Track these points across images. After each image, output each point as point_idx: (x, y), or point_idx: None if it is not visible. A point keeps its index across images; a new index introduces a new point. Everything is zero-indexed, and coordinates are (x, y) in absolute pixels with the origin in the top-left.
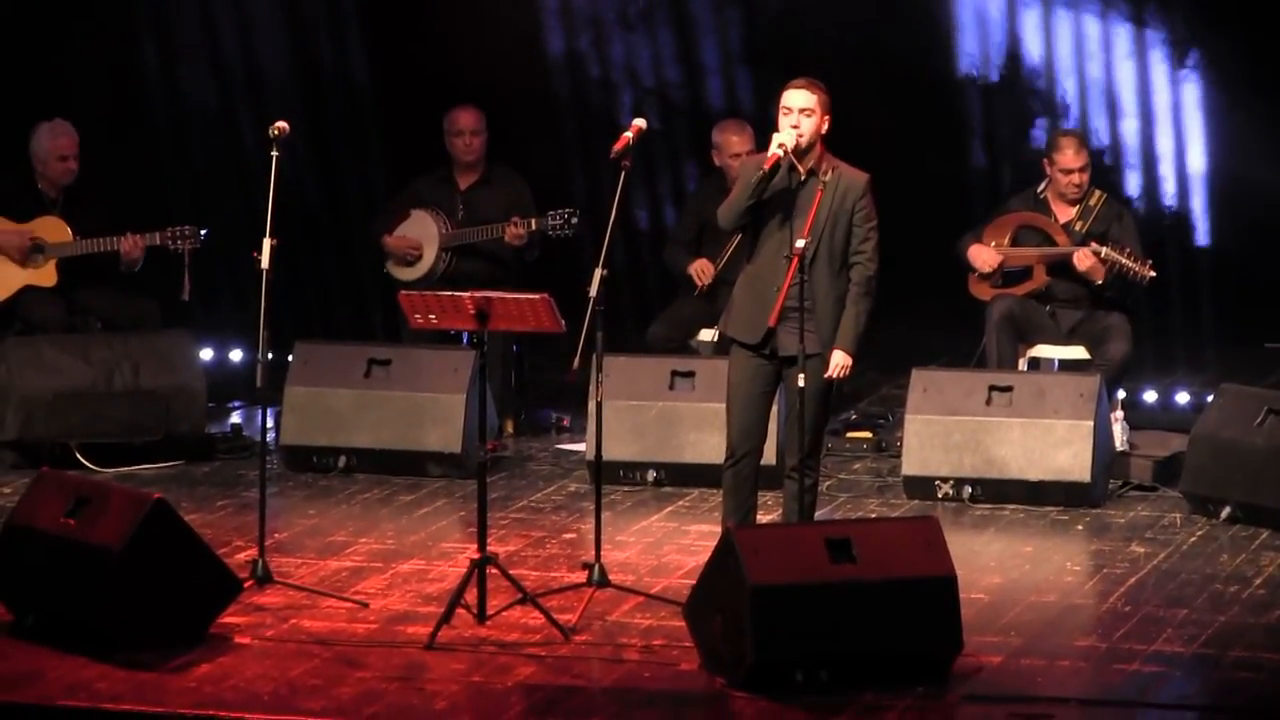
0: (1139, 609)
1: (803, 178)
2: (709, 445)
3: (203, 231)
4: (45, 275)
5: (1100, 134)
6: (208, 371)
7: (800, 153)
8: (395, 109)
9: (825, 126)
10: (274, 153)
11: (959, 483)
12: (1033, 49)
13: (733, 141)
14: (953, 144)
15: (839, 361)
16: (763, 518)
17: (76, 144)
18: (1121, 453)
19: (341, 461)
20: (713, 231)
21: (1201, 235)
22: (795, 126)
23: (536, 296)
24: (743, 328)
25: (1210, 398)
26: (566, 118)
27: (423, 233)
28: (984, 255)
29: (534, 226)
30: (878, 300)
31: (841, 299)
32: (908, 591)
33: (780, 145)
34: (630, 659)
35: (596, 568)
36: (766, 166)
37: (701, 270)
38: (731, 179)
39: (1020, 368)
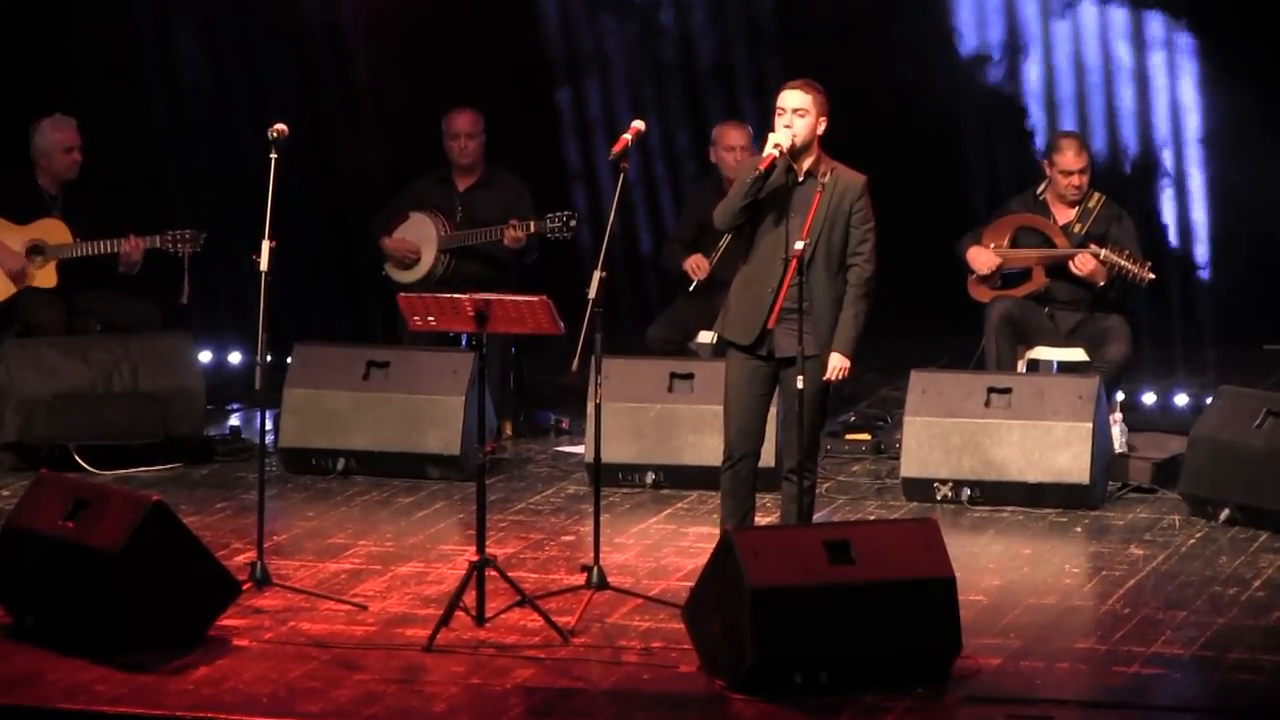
0: (1138, 611)
1: (800, 179)
2: (708, 447)
3: (203, 235)
4: (45, 277)
5: (1099, 135)
6: (207, 374)
7: (796, 153)
8: (395, 109)
9: (822, 127)
10: (273, 155)
11: (958, 484)
12: (1032, 49)
13: (732, 142)
14: (952, 144)
15: (837, 364)
16: (761, 520)
17: (78, 136)
18: (1120, 454)
19: (340, 464)
20: (711, 232)
21: (1201, 237)
22: (788, 126)
23: (535, 298)
24: (738, 329)
25: (1209, 399)
26: (567, 119)
27: (421, 235)
28: (982, 257)
29: (533, 229)
30: (876, 301)
31: (839, 300)
32: (907, 593)
33: (776, 145)
34: (629, 661)
35: (595, 570)
36: (762, 167)
37: (696, 265)
38: (729, 179)
39: (1019, 369)
